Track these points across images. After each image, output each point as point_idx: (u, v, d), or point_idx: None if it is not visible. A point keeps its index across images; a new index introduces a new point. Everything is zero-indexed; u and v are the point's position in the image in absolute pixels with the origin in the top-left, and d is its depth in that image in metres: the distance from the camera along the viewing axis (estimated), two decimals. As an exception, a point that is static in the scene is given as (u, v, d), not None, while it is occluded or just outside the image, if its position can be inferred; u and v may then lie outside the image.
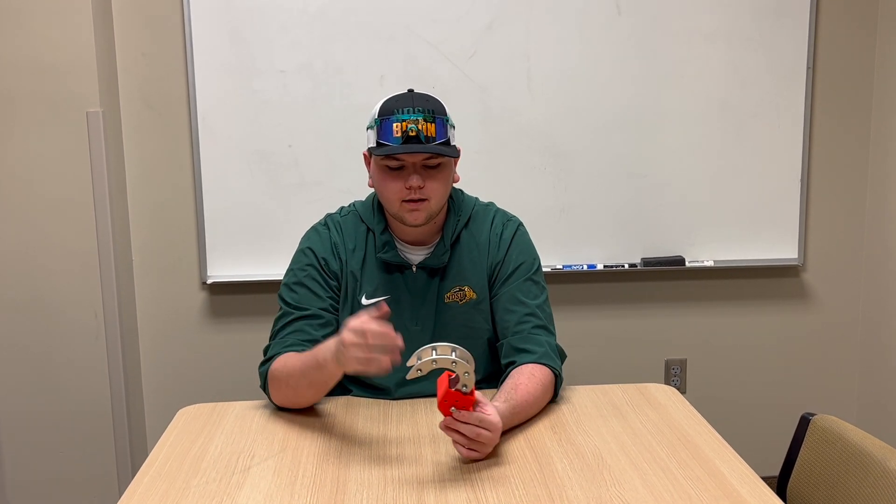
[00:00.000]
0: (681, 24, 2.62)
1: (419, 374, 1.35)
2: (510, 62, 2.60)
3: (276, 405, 1.65)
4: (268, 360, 1.64)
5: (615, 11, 2.60)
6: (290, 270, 1.72)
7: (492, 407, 1.40)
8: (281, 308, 1.69)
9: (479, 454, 1.40)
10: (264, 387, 1.64)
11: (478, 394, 1.38)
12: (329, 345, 1.46)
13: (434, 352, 1.34)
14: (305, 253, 1.70)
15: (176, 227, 2.66)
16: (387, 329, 1.34)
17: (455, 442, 1.39)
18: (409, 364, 1.36)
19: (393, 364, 1.35)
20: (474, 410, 1.35)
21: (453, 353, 1.34)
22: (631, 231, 2.72)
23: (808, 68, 2.67)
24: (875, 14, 2.71)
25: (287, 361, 1.58)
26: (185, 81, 2.57)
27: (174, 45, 2.56)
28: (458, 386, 1.34)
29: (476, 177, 2.61)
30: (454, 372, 1.33)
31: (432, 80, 2.58)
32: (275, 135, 2.58)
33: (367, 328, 1.34)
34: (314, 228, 1.75)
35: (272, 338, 1.68)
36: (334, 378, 1.50)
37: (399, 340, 1.34)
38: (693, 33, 2.63)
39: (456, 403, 1.34)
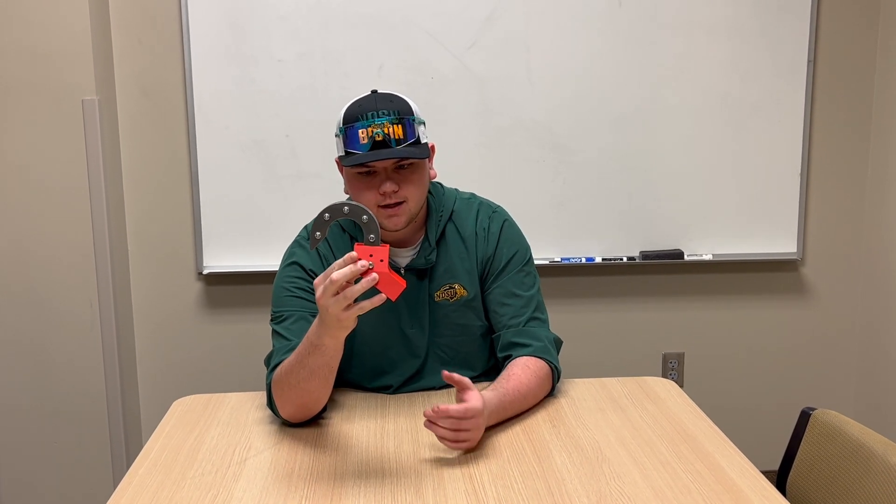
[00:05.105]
0: (681, 17, 2.61)
1: (318, 236, 1.34)
2: (510, 54, 2.58)
3: (285, 422, 1.54)
4: (272, 371, 1.54)
5: (616, 4, 2.59)
6: (277, 287, 1.63)
7: (474, 392, 1.39)
8: (273, 317, 1.60)
9: (468, 443, 1.39)
10: (271, 404, 1.53)
11: (465, 379, 1.40)
12: (313, 324, 1.41)
13: (326, 214, 1.34)
14: (293, 267, 1.63)
15: (172, 216, 2.64)
16: (344, 258, 1.30)
17: (440, 437, 1.38)
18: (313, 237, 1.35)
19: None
20: (402, 281, 1.31)
21: (345, 209, 1.34)
22: (630, 224, 2.71)
23: (808, 62, 2.66)
24: (877, 8, 2.70)
25: (283, 364, 1.49)
26: (182, 70, 2.55)
27: (171, 33, 2.54)
28: (367, 239, 1.31)
29: (474, 169, 2.60)
30: (363, 233, 1.32)
31: (431, 71, 2.57)
32: (272, 125, 2.57)
33: (327, 273, 1.29)
34: (296, 243, 1.67)
35: (273, 349, 1.59)
36: (331, 356, 1.41)
37: (360, 261, 1.29)
38: (694, 26, 2.62)
39: (372, 258, 1.29)
